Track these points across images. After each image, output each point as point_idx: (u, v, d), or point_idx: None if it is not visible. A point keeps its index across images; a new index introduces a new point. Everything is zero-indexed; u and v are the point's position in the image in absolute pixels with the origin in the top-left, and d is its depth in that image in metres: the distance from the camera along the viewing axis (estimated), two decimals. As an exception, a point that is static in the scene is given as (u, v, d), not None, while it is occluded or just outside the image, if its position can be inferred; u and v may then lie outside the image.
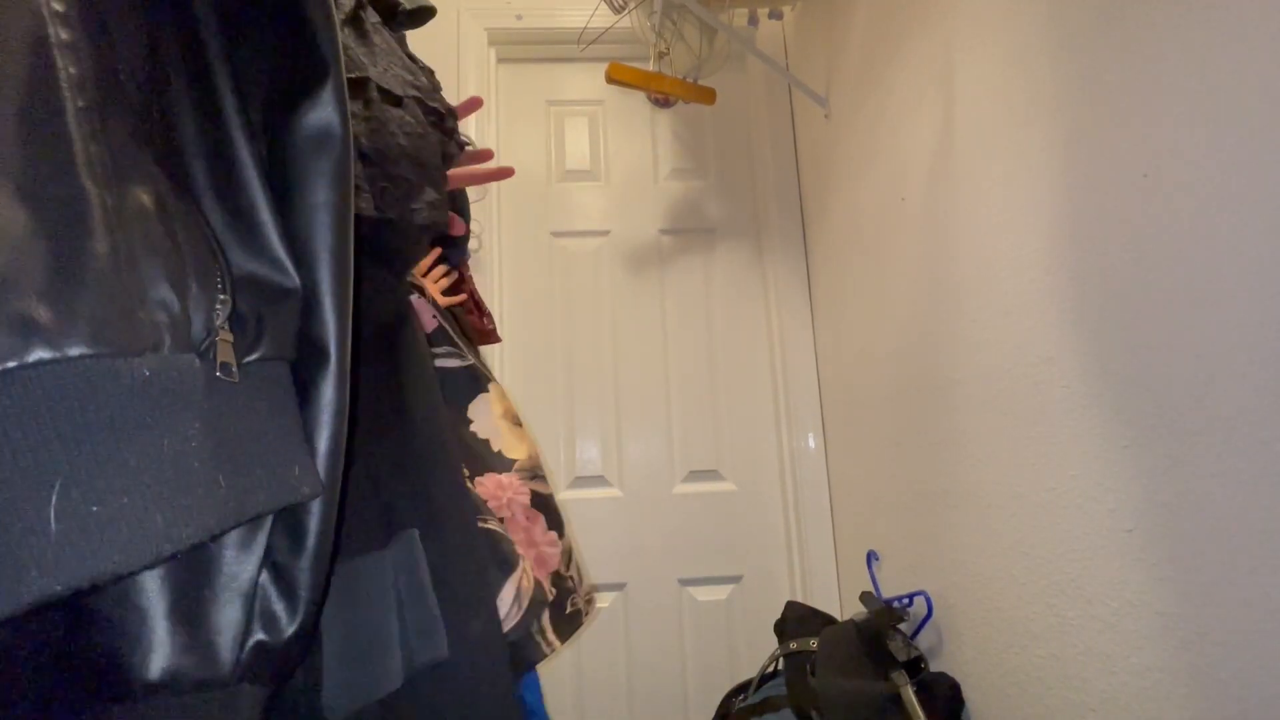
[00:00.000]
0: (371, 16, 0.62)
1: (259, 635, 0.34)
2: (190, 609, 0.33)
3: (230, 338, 0.34)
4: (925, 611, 1.06)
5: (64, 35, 0.29)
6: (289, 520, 0.36)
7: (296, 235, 0.39)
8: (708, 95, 1.53)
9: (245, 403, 0.34)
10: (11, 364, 0.25)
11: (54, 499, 0.26)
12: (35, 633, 0.31)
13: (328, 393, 0.38)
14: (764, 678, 1.19)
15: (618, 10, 1.46)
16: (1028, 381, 0.83)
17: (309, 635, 0.37)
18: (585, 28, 1.54)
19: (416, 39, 0.84)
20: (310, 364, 0.38)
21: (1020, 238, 0.84)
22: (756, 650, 1.50)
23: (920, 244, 1.09)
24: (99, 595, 0.31)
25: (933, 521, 1.08)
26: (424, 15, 0.70)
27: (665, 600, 1.57)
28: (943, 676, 1.00)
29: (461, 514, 0.55)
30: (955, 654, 1.01)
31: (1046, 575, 0.81)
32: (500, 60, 1.80)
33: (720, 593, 1.58)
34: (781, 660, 1.17)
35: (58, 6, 0.29)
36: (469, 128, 1.65)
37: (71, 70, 0.29)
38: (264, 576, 0.35)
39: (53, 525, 0.25)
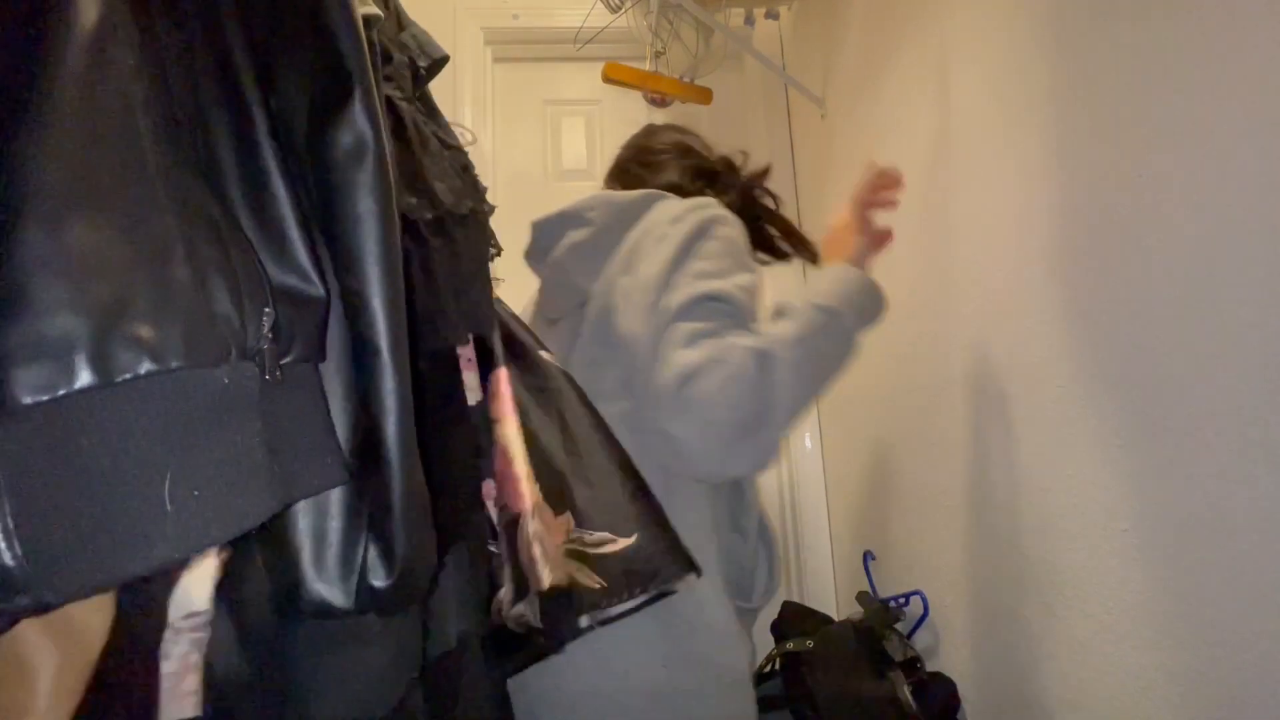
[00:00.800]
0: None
1: (370, 581, 0.44)
2: (323, 558, 0.44)
3: (273, 345, 0.40)
4: (921, 611, 1.06)
5: (138, 88, 0.35)
6: (379, 496, 0.45)
7: (343, 244, 0.45)
8: (704, 95, 1.53)
9: (286, 402, 0.40)
10: (128, 375, 0.31)
11: (167, 485, 0.32)
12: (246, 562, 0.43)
13: (387, 384, 0.45)
14: (760, 677, 1.19)
15: (614, 10, 1.46)
16: (1023, 381, 0.83)
17: (409, 582, 0.46)
18: (582, 27, 1.53)
19: (413, 38, 0.84)
20: (367, 362, 0.45)
21: (1016, 237, 0.84)
22: (753, 650, 1.50)
23: (916, 244, 1.09)
24: (274, 550, 0.43)
25: (928, 521, 1.08)
26: (439, 66, 0.78)
27: (662, 600, 1.57)
28: (939, 676, 1.00)
29: (481, 539, 0.68)
30: (951, 653, 1.02)
31: (1042, 574, 0.81)
32: (496, 59, 1.80)
33: (716, 592, 1.58)
34: (778, 660, 1.17)
35: (132, 62, 0.35)
36: (465, 121, 1.64)
37: (147, 120, 0.35)
38: (369, 539, 0.45)
39: (168, 506, 0.32)
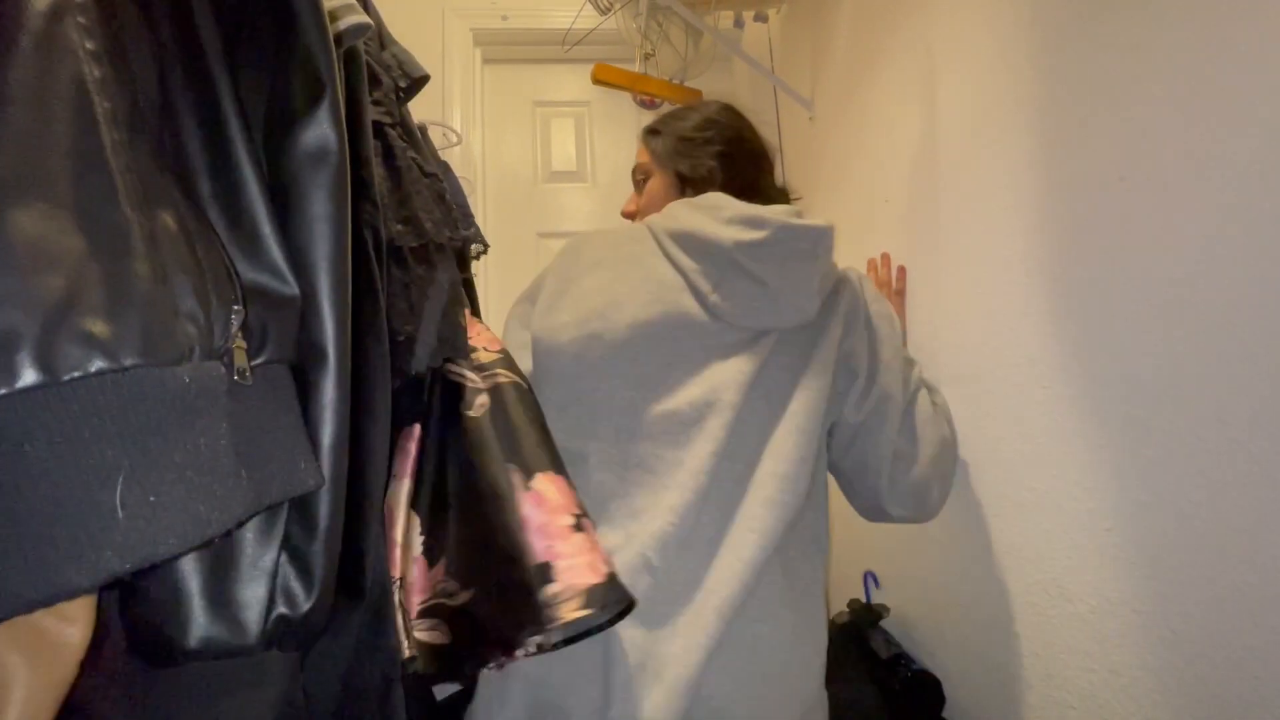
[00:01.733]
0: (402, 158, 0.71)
1: (281, 609, 0.40)
2: (221, 588, 0.38)
3: (244, 344, 0.38)
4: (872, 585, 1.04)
5: (97, 73, 0.32)
6: (302, 510, 0.41)
7: (297, 245, 0.42)
8: (693, 97, 1.53)
9: (257, 403, 0.38)
10: (77, 374, 0.29)
11: (119, 490, 0.30)
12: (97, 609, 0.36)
13: (329, 392, 0.42)
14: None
15: (603, 11, 1.46)
16: (1008, 382, 0.84)
17: (325, 609, 0.42)
18: (571, 28, 1.53)
19: (401, 39, 0.83)
20: (311, 366, 0.42)
21: (1001, 239, 0.85)
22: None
23: (903, 246, 1.10)
24: (145, 576, 0.36)
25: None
26: (420, 84, 0.80)
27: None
28: (924, 674, 1.00)
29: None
30: (937, 652, 1.02)
31: (1027, 574, 0.82)
32: (486, 61, 1.80)
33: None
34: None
35: (90, 45, 0.32)
36: (454, 123, 1.64)
37: (106, 105, 0.33)
38: (283, 559, 0.40)
39: (119, 513, 0.29)
